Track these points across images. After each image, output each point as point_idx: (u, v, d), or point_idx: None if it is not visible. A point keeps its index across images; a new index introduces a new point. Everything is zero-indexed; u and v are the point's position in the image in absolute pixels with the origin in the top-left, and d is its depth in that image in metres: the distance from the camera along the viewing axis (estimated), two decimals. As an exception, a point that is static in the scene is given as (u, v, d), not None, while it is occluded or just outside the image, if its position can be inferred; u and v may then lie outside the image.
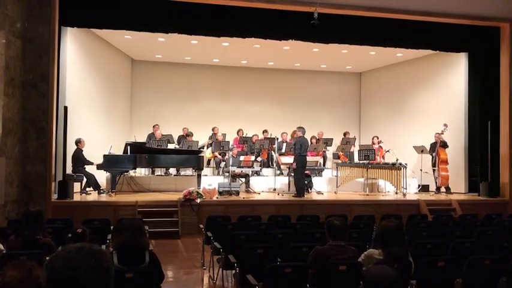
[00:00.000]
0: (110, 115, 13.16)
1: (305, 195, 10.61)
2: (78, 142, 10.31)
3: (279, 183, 12.09)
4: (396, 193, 11.47)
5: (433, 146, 12.16)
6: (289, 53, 13.69)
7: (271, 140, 13.19)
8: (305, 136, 10.82)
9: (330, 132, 14.81)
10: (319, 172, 13.01)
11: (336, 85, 16.64)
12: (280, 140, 13.55)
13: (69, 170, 10.01)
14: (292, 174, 11.79)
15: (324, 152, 13.86)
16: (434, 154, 12.05)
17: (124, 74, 14.65)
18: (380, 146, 13.02)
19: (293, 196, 10.71)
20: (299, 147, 10.52)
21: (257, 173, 12.65)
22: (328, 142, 14.16)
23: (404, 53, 13.31)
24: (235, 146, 13.41)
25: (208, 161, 13.24)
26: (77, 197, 9.61)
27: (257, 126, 14.59)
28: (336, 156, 13.73)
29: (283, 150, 13.01)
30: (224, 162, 12.43)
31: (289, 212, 8.52)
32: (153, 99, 15.11)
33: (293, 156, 11.68)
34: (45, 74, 8.55)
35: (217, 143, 12.69)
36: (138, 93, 15.15)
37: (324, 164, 13.81)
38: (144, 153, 10.76)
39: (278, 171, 12.83)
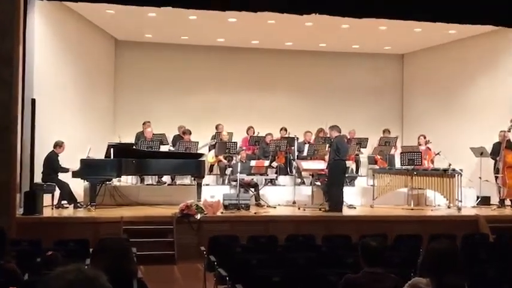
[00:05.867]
0: (88, 110, 13.25)
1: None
2: (57, 145, 10.40)
3: (300, 194, 12.08)
4: (449, 207, 11.42)
5: (497, 148, 12.03)
6: (312, 31, 13.66)
7: (290, 141, 13.17)
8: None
9: (364, 131, 14.75)
10: (350, 181, 12.97)
11: (371, 71, 16.56)
12: (301, 140, 13.54)
13: (38, 178, 10.10)
14: (317, 183, 11.80)
15: (357, 155, 13.81)
16: (498, 158, 11.93)
17: (106, 58, 14.76)
18: (428, 148, 12.94)
19: (324, 210, 10.71)
20: (336, 149, 10.64)
21: (272, 182, 12.64)
22: (362, 143, 14.10)
23: (458, 29, 13.18)
24: (244, 147, 13.42)
25: (211, 166, 13.27)
26: (47, 212, 9.68)
27: (272, 123, 14.58)
28: (371, 160, 13.67)
29: (304, 154, 12.99)
30: (231, 169, 12.45)
31: (312, 230, 8.48)
32: (142, 90, 15.18)
33: (320, 161, 11.69)
34: (8, 59, 8.60)
35: (222, 145, 12.71)
36: (124, 82, 15.24)
37: (357, 171, 13.76)
38: (132, 157, 10.81)
39: (298, 180, 12.80)
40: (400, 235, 7.71)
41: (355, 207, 11.61)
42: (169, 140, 13.66)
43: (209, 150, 13.38)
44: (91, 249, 6.18)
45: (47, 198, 10.05)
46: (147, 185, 12.71)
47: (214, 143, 13.34)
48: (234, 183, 11.71)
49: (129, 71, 15.28)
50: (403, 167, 11.89)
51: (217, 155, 12.97)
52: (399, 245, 6.85)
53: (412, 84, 16.49)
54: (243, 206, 10.52)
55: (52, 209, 10.25)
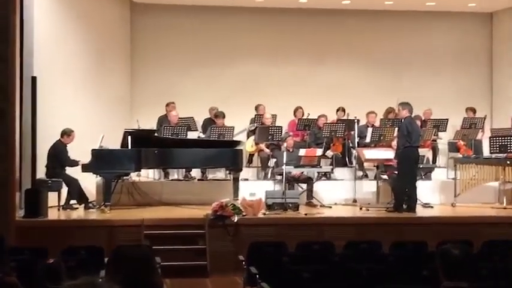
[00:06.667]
0: (100, 89, 13.41)
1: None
2: (65, 134, 10.57)
3: (362, 191, 12.08)
4: (553, 205, 11.27)
5: None
6: (375, -15, 13.54)
7: (349, 124, 13.08)
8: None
9: (443, 109, 14.55)
10: (426, 173, 12.86)
11: (451, 34, 16.29)
12: (363, 123, 13.43)
13: (41, 173, 10.31)
14: (384, 176, 11.70)
15: (434, 141, 13.67)
16: None
17: (120, 25, 14.87)
18: (525, 131, 12.72)
19: (388, 210, 10.68)
20: (406, 133, 10.58)
21: (326, 176, 12.62)
22: (440, 125, 13.93)
23: None
24: (291, 133, 13.41)
25: (250, 157, 13.32)
26: (53, 214, 9.87)
27: (326, 102, 14.54)
28: (453, 147, 13.51)
29: (367, 140, 12.89)
30: (274, 159, 12.46)
31: (378, 236, 8.48)
32: (164, 64, 15.28)
33: (387, 149, 11.58)
34: (4, 30, 8.77)
35: (264, 130, 12.71)
36: (142, 55, 15.35)
37: (434, 161, 13.62)
38: (153, 146, 10.92)
39: (360, 173, 12.74)
40: (490, 241, 7.66)
41: (432, 207, 11.52)
42: (199, 125, 13.73)
43: (248, 137, 13.41)
44: (106, 259, 6.30)
45: (52, 197, 10.25)
46: (172, 180, 12.84)
47: (253, 128, 13.36)
48: (278, 177, 11.73)
49: (148, 41, 15.37)
50: (493, 156, 11.77)
51: (257, 142, 12.98)
52: (488, 253, 6.78)
53: (504, 50, 16.12)
54: (290, 205, 10.49)
55: (59, 210, 10.47)
